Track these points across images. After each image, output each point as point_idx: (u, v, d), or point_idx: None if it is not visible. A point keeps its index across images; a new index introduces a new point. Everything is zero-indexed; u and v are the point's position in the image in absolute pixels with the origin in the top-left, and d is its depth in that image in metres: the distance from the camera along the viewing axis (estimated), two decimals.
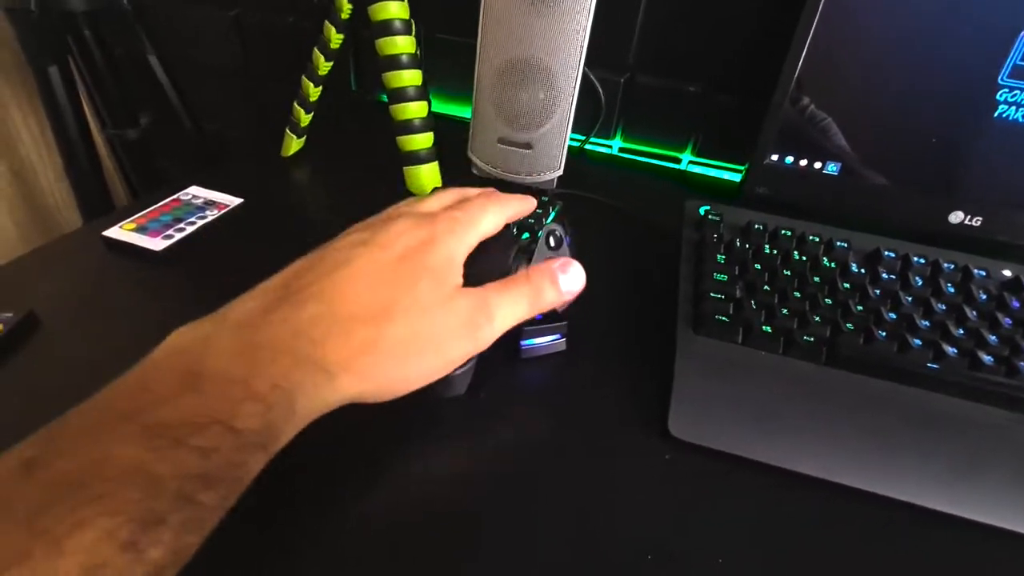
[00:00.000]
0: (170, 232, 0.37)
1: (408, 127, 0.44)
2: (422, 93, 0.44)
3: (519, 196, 0.32)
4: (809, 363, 0.31)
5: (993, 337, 0.31)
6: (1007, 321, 0.33)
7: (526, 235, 0.34)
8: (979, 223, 0.45)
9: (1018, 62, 0.40)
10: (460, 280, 0.26)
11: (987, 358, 0.30)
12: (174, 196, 0.42)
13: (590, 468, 0.27)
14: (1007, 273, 0.36)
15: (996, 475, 0.27)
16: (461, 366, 0.27)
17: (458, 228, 0.27)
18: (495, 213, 0.29)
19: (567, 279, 0.28)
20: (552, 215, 0.40)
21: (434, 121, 0.45)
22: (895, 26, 0.41)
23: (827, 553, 0.24)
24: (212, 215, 0.40)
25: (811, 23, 0.41)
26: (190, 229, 0.38)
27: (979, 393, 0.29)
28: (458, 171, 0.49)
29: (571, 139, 0.56)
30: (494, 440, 0.28)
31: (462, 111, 0.63)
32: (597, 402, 0.30)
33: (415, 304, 0.24)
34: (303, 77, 0.47)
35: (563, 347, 0.32)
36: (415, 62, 0.43)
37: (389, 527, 0.23)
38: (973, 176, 0.44)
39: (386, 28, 0.41)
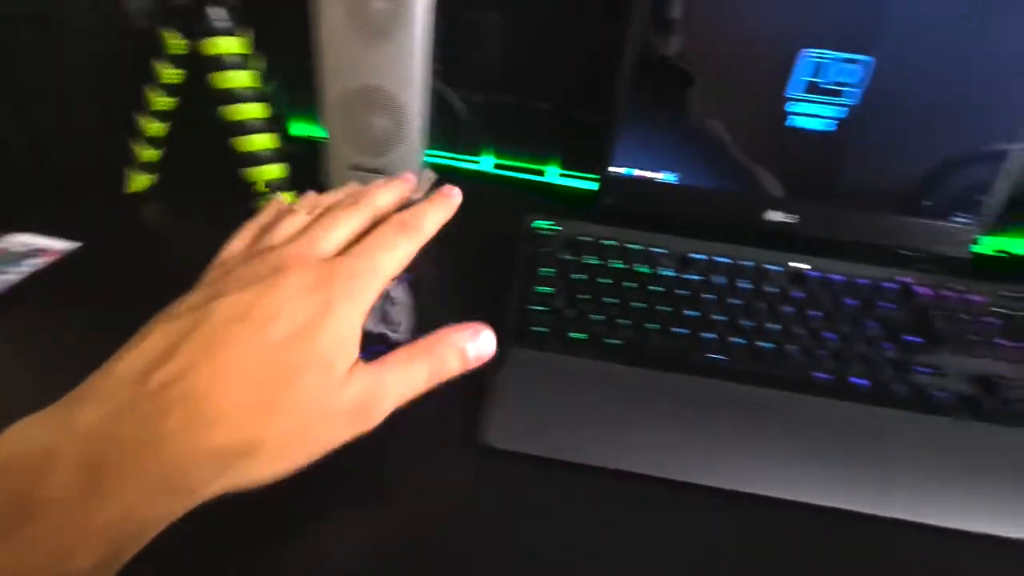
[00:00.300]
0: None
1: (254, 159, 0.44)
2: (268, 125, 0.44)
3: (436, 203, 0.28)
4: (620, 364, 0.34)
5: (776, 326, 0.36)
6: (788, 310, 0.37)
7: None
8: (796, 220, 0.50)
9: (801, 77, 0.45)
10: (354, 356, 0.23)
11: (766, 345, 0.35)
12: None
13: (413, 484, 0.28)
14: (799, 266, 0.41)
15: (777, 451, 0.30)
16: None
17: (357, 287, 0.23)
18: (405, 247, 0.25)
19: (476, 345, 0.26)
20: None
21: (285, 150, 0.46)
22: (704, 44, 0.45)
23: (640, 541, 0.27)
24: (40, 263, 0.38)
25: (636, 41, 0.45)
26: (11, 279, 0.36)
27: (761, 378, 0.33)
28: None
29: (441, 158, 0.58)
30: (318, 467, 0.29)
31: None
32: (427, 421, 0.31)
33: (298, 400, 0.21)
34: (138, 116, 0.46)
35: None
36: (256, 95, 0.43)
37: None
38: (782, 179, 0.49)
39: (218, 63, 0.41)
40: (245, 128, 0.43)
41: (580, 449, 0.29)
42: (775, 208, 0.50)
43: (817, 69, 0.44)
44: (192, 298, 0.22)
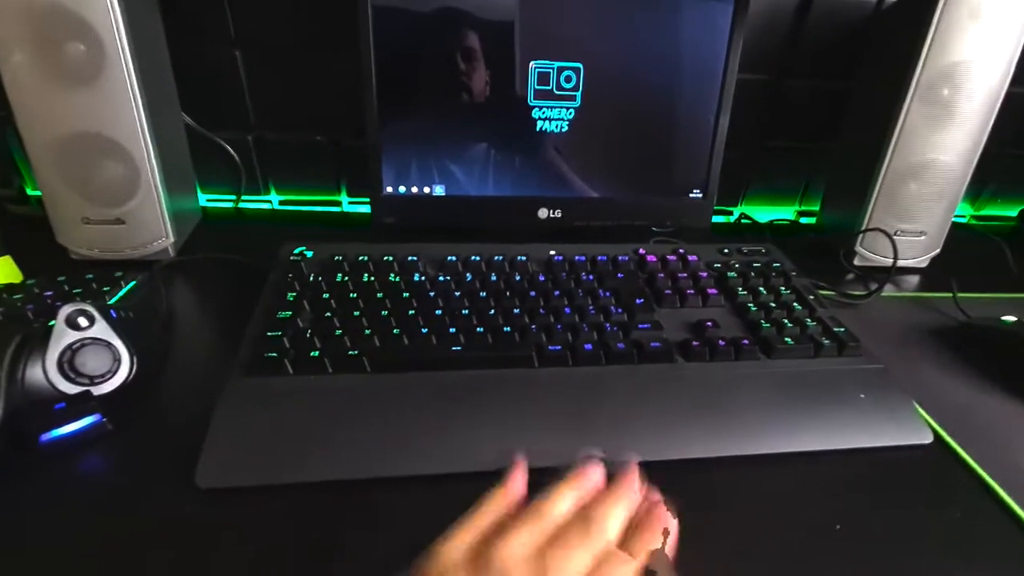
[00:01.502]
0: None
1: None
2: None
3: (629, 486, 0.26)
4: (359, 374, 0.33)
5: (517, 310, 0.38)
6: (532, 294, 0.39)
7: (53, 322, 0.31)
8: (560, 215, 0.55)
9: (536, 87, 0.50)
10: None
11: (507, 329, 0.36)
12: None
13: (108, 541, 0.25)
14: (551, 253, 0.44)
15: (496, 426, 0.31)
16: None
17: None
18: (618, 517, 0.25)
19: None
20: (123, 291, 0.38)
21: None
22: (440, 61, 0.48)
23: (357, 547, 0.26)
24: None
25: (370, 66, 0.47)
26: None
27: (500, 361, 0.35)
28: (52, 259, 0.45)
29: (219, 200, 0.55)
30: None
31: None
32: (134, 472, 0.29)
33: None
34: None
35: (108, 427, 0.30)
36: None
37: None
38: (542, 178, 0.53)
39: None
40: None
41: (298, 468, 0.28)
42: (542, 206, 0.54)
43: (545, 78, 0.49)
44: None
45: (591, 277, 0.41)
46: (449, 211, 0.53)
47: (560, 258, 0.43)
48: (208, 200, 0.59)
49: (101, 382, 0.31)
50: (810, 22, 0.56)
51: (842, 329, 0.39)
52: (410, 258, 0.41)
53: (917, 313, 0.48)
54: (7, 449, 0.28)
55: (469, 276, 0.41)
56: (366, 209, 0.62)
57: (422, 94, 0.49)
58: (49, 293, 0.36)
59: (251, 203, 0.61)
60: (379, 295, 0.38)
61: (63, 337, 0.30)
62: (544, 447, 0.30)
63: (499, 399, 0.33)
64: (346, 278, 0.39)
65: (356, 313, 0.36)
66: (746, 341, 0.37)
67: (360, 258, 0.41)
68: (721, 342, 0.37)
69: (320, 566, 0.25)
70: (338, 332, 0.35)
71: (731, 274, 0.44)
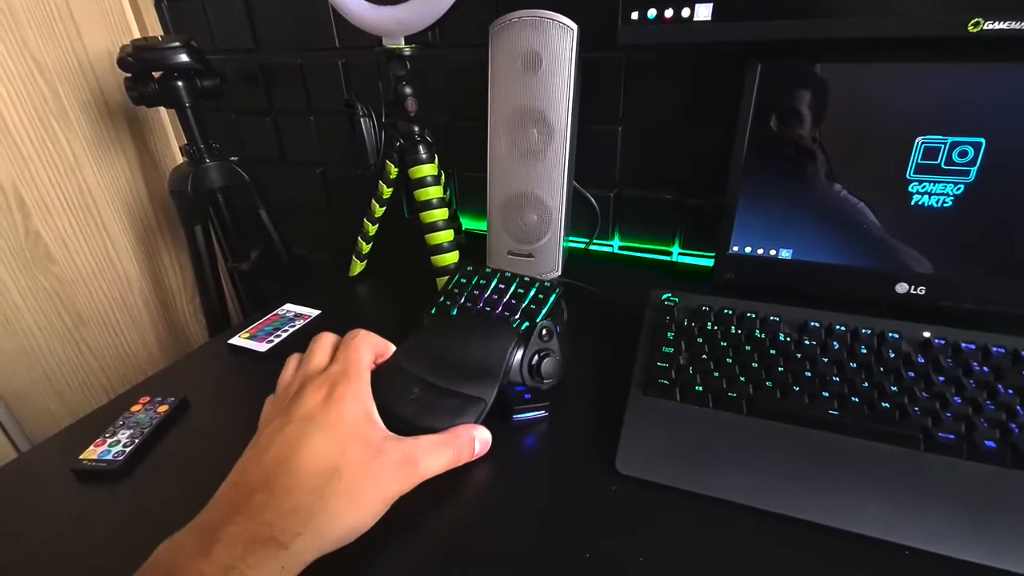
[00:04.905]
0: (271, 338, 0.52)
1: (439, 249, 0.59)
2: (448, 224, 0.59)
3: (378, 338, 0.40)
4: (734, 414, 0.39)
5: (894, 388, 0.38)
6: (910, 374, 0.39)
7: (526, 324, 0.44)
8: (923, 292, 0.51)
9: (919, 161, 0.49)
10: (383, 432, 0.33)
11: (884, 405, 0.37)
12: (274, 312, 0.58)
13: (557, 495, 0.36)
14: (925, 335, 0.43)
15: (882, 496, 0.33)
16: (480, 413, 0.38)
17: (351, 372, 0.34)
18: (365, 346, 0.38)
19: (482, 442, 0.37)
20: (552, 299, 0.50)
21: (459, 242, 0.60)
22: (816, 134, 0.51)
23: (732, 558, 0.31)
24: (300, 324, 0.55)
25: (744, 135, 0.53)
26: (284, 335, 0.53)
27: (877, 434, 0.36)
28: None
29: (577, 242, 0.69)
30: (478, 482, 0.38)
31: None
32: (567, 450, 0.39)
33: (349, 464, 0.29)
34: (364, 219, 0.65)
35: (546, 414, 0.42)
36: (442, 203, 0.59)
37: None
38: (907, 252, 0.51)
39: (422, 182, 0.58)
40: (434, 227, 0.58)
41: (695, 479, 0.35)
42: (901, 281, 0.52)
43: (933, 153, 0.48)
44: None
45: (986, 370, 0.39)
46: (793, 275, 0.55)
47: (941, 342, 0.42)
48: (567, 240, 0.74)
49: (546, 382, 0.43)
50: None
51: None
52: (772, 318, 0.45)
53: None
54: (493, 417, 0.40)
55: (836, 344, 0.42)
56: (693, 260, 0.69)
57: (789, 159, 0.53)
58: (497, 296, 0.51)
59: (597, 245, 0.73)
60: (746, 348, 0.43)
61: (535, 344, 0.43)
62: (934, 534, 0.31)
63: (878, 470, 0.34)
64: (715, 327, 0.45)
65: (728, 360, 0.42)
66: None
67: (725, 311, 0.47)
68: None
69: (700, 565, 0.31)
70: (715, 374, 0.41)
71: None
